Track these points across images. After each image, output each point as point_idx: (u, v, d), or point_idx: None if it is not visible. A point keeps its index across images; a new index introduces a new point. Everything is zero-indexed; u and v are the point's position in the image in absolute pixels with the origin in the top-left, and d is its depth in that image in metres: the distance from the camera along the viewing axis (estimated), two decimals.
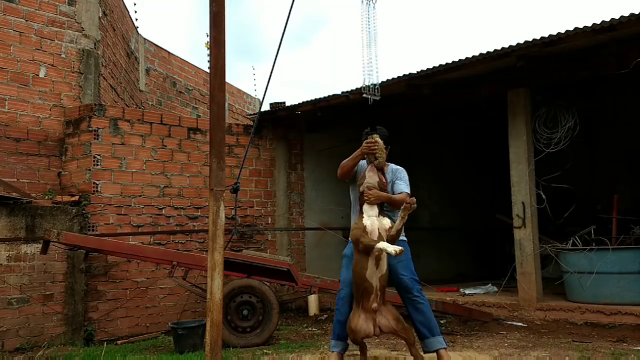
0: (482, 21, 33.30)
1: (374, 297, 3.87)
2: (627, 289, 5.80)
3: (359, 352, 4.23)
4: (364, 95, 4.69)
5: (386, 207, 4.06)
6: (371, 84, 4.62)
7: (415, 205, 3.79)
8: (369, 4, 4.66)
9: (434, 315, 4.13)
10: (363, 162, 4.14)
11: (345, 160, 4.16)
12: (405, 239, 4.17)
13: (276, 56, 5.18)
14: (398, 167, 4.27)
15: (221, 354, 3.49)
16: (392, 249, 3.67)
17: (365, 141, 4.02)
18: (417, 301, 4.02)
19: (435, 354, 3.99)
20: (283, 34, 5.00)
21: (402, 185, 4.13)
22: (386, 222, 3.92)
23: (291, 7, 4.82)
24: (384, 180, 3.99)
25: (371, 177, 3.95)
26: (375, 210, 3.92)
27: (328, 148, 8.34)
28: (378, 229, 3.85)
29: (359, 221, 3.93)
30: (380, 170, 4.01)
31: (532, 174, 6.46)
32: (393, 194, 4.08)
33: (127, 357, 5.19)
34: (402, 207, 3.83)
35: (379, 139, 3.99)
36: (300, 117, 8.28)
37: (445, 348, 4.00)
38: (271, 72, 5.34)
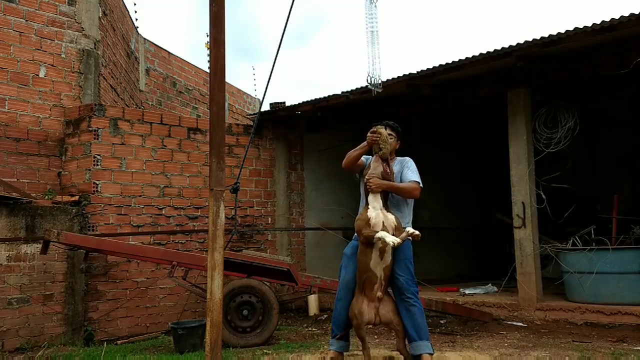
0: (482, 21, 33.31)
1: (377, 286, 3.91)
2: (627, 289, 5.80)
3: (360, 350, 4.23)
4: (369, 86, 4.71)
5: (391, 201, 4.07)
6: (375, 77, 4.65)
7: (419, 238, 3.83)
8: (372, 3, 4.68)
9: (426, 318, 4.08)
10: (369, 160, 4.17)
11: (351, 150, 4.18)
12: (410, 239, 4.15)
13: (276, 56, 5.18)
14: (405, 157, 4.30)
15: (221, 354, 3.49)
16: (391, 239, 3.71)
17: (369, 132, 4.05)
18: (409, 303, 3.97)
19: (419, 358, 3.94)
20: (283, 34, 5.00)
21: (410, 174, 4.14)
22: (391, 218, 3.94)
23: (291, 7, 4.82)
24: (388, 171, 4.01)
25: (375, 168, 4.01)
26: (379, 201, 3.94)
27: (328, 148, 8.34)
28: (383, 222, 3.88)
29: (364, 213, 3.97)
30: (385, 160, 4.03)
31: (532, 174, 6.46)
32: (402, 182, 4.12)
33: (127, 357, 5.19)
34: (405, 234, 3.85)
35: (382, 130, 4.01)
36: (300, 117, 8.29)
37: (430, 354, 3.94)
38: (271, 72, 5.35)
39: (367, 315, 3.93)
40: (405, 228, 3.99)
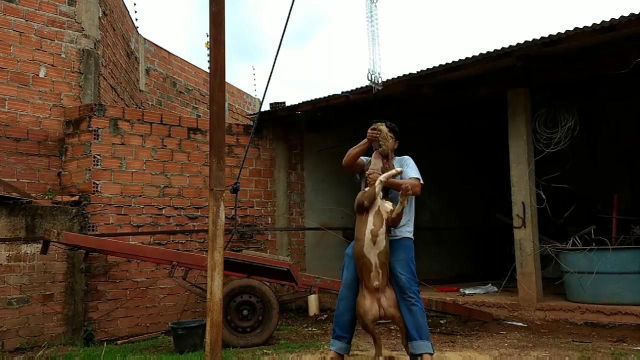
0: (482, 21, 33.31)
1: (374, 274, 3.92)
2: (627, 289, 5.80)
3: (360, 350, 4.23)
4: (370, 84, 4.73)
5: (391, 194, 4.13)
6: (375, 75, 4.67)
7: (410, 192, 3.90)
8: (372, 2, 4.69)
9: (426, 318, 4.09)
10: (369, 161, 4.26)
11: (352, 148, 4.24)
12: (412, 237, 4.17)
13: (276, 56, 5.17)
14: (404, 156, 4.34)
15: (221, 354, 3.49)
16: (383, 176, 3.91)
17: (369, 129, 4.12)
18: (410, 302, 3.97)
19: (420, 358, 3.94)
20: (283, 34, 4.99)
21: (410, 171, 4.19)
22: (388, 204, 4.00)
23: (291, 7, 4.82)
24: (386, 167, 4.07)
25: (375, 164, 4.09)
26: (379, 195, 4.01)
27: (328, 148, 8.34)
28: (378, 207, 3.95)
29: (361, 191, 4.09)
30: (385, 157, 4.10)
31: (532, 174, 6.46)
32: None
33: (127, 357, 5.19)
34: (400, 192, 3.91)
35: (382, 127, 4.08)
36: (300, 117, 8.28)
37: (430, 354, 3.94)
38: (271, 72, 5.34)
39: (371, 312, 3.94)
40: (400, 227, 4.07)
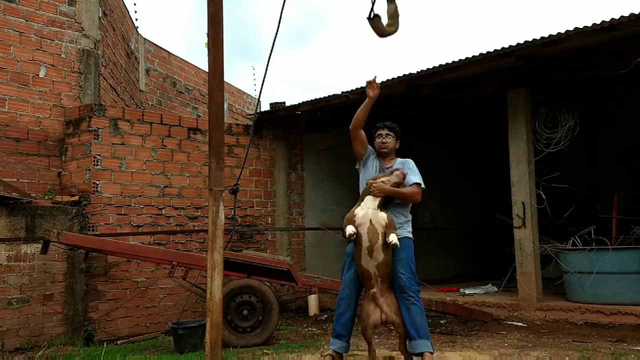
0: (482, 21, 33.32)
1: (373, 282, 3.96)
2: (627, 289, 5.80)
3: (360, 350, 4.23)
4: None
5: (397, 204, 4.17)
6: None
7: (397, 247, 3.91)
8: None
9: (426, 318, 4.10)
10: (372, 155, 4.34)
11: (358, 110, 4.30)
12: (411, 237, 4.20)
13: (270, 52, 5.13)
14: (407, 159, 4.35)
15: (221, 354, 3.49)
16: (349, 229, 3.90)
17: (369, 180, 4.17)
18: (410, 301, 4.00)
19: (420, 357, 3.95)
20: (277, 31, 4.95)
21: (412, 177, 4.21)
22: (382, 216, 3.99)
23: (283, 4, 4.77)
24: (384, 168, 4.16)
25: (393, 177, 4.12)
26: (375, 202, 4.03)
27: (328, 148, 8.34)
28: (371, 221, 3.94)
29: (352, 210, 4.08)
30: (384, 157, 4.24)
31: (532, 174, 6.46)
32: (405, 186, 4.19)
33: (127, 357, 5.19)
34: (393, 237, 3.92)
35: (376, 182, 4.12)
36: (300, 117, 8.28)
37: (431, 352, 3.95)
38: (266, 69, 5.30)
39: (373, 316, 3.98)
40: (399, 228, 4.08)
